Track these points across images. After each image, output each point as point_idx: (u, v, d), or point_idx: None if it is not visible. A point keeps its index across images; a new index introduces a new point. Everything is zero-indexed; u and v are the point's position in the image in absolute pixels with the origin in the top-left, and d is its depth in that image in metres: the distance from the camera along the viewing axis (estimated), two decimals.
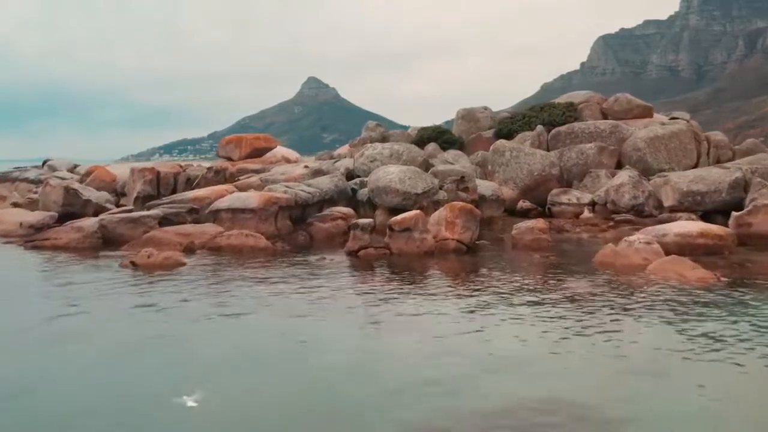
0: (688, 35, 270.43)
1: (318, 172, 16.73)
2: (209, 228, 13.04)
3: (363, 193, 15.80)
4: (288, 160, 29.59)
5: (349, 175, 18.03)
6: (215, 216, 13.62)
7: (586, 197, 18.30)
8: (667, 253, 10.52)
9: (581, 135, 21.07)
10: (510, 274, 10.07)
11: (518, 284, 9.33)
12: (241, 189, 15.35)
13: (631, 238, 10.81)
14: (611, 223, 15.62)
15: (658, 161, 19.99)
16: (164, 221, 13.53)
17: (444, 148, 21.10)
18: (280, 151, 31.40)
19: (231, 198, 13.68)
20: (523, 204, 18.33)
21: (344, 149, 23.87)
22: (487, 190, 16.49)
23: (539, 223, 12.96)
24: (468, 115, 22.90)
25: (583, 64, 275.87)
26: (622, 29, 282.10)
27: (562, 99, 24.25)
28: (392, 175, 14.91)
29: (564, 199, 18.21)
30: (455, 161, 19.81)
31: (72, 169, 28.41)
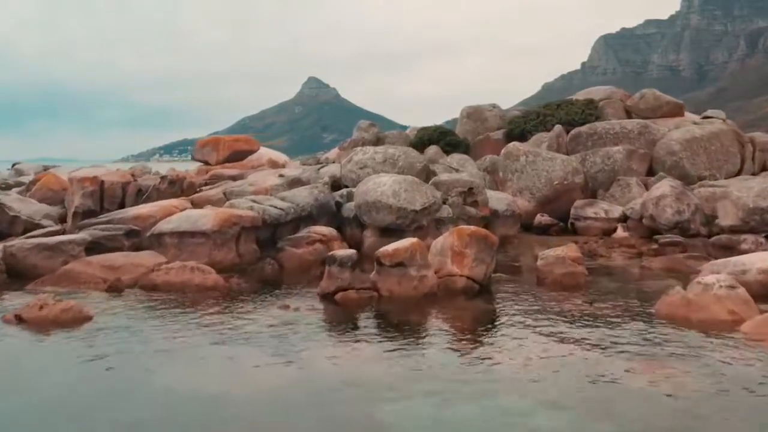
0: (689, 35, 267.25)
1: (295, 182, 13.69)
2: (147, 258, 10.02)
3: (349, 209, 12.79)
4: (275, 164, 26.62)
5: (336, 185, 15.03)
6: (158, 241, 10.61)
7: (616, 210, 15.28)
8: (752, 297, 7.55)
9: (605, 136, 18.07)
10: (543, 337, 7.04)
11: (559, 359, 6.30)
12: (197, 204, 12.32)
13: (708, 279, 7.77)
14: (654, 246, 12.58)
15: (696, 167, 16.97)
16: (94, 247, 10.51)
17: (447, 152, 18.09)
18: (267, 153, 28.43)
19: (179, 218, 10.64)
20: (542, 218, 15.31)
21: (334, 153, 20.83)
22: (501, 203, 13.47)
23: (571, 250, 9.93)
24: (474, 114, 19.88)
25: (583, 64, 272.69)
26: (623, 29, 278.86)
27: (581, 95, 21.21)
28: (384, 186, 11.89)
29: (590, 212, 15.19)
30: (460, 167, 16.79)
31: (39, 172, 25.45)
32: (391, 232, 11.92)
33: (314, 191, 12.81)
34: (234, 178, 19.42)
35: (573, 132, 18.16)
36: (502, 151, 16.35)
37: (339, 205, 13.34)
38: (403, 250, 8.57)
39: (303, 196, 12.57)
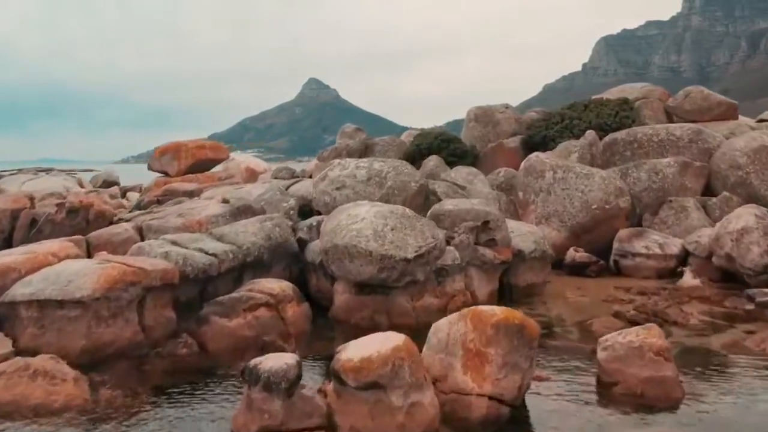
0: (690, 36, 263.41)
1: (244, 211, 9.86)
2: None
3: (316, 250, 8.99)
4: (254, 173, 22.79)
5: (308, 210, 11.26)
6: (13, 313, 6.82)
7: (674, 244, 11.49)
8: None
9: (647, 145, 14.29)
10: None
11: None
12: (96, 248, 8.49)
13: None
14: (748, 306, 8.77)
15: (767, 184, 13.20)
16: None
17: (451, 164, 14.31)
18: (245, 160, 24.58)
19: (43, 277, 6.85)
20: (576, 254, 11.50)
21: (313, 164, 17.02)
22: (527, 241, 9.65)
23: (652, 334, 6.12)
24: (483, 116, 16.06)
25: (584, 65, 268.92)
26: (624, 30, 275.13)
27: (612, 93, 17.38)
28: (362, 222, 8.09)
29: (640, 246, 11.41)
30: (468, 183, 13.00)
31: None
32: (371, 289, 8.14)
33: (267, 225, 9.01)
34: (191, 195, 15.67)
35: (607, 139, 14.37)
36: (523, 164, 12.52)
37: (304, 243, 9.55)
38: (379, 361, 4.76)
39: (250, 233, 8.77)
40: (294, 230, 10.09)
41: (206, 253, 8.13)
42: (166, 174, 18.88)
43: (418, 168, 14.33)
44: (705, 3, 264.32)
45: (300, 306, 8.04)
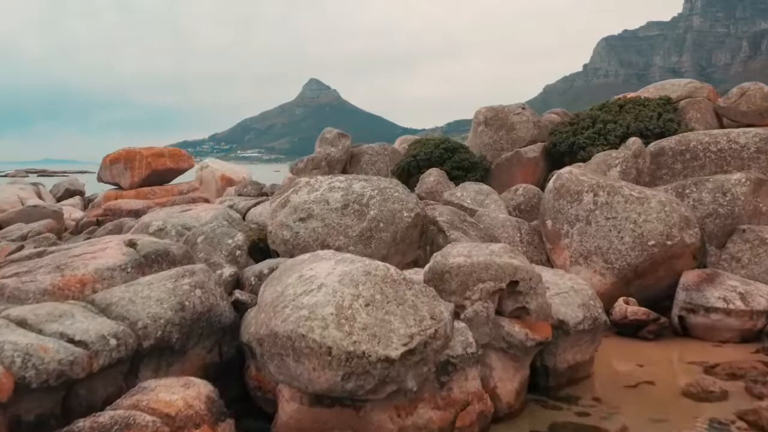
0: (691, 37, 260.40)
1: (153, 260, 6.70)
2: None
3: (253, 326, 5.84)
4: (230, 182, 19.72)
5: (262, 246, 8.15)
6: None
7: (761, 293, 8.39)
8: None
9: (703, 156, 11.24)
10: None
11: None
12: None
13: None
14: None
15: None
16: None
17: (455, 179, 11.21)
18: (220, 168, 21.48)
19: None
20: (628, 308, 8.39)
21: (287, 180, 13.78)
22: (571, 304, 6.51)
23: None
24: (495, 119, 12.90)
25: (585, 66, 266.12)
26: (625, 31, 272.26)
27: (649, 91, 14.21)
28: (319, 293, 4.99)
29: (715, 298, 8.29)
30: (479, 207, 9.90)
31: None
32: (333, 402, 5.02)
33: (182, 287, 5.89)
34: (137, 214, 12.64)
35: (653, 148, 11.23)
36: (552, 183, 9.35)
37: (242, 306, 6.44)
38: None
39: (153, 300, 5.66)
40: (239, 283, 7.02)
41: (70, 340, 5.02)
42: (119, 186, 15.80)
43: (414, 184, 11.23)
44: (706, 3, 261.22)
45: (217, 429, 4.91)
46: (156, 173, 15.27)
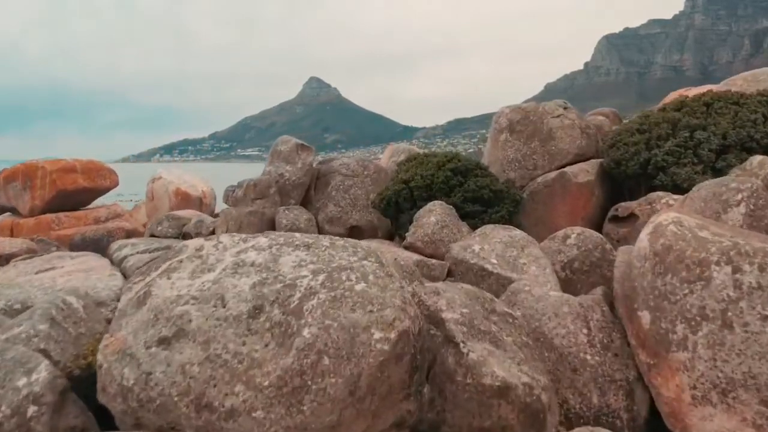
0: (693, 35, 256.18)
1: None
2: None
3: None
4: (187, 198, 15.60)
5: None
6: None
7: None
8: None
9: None
10: None
11: None
12: None
13: None
14: None
15: None
16: None
17: (469, 216, 7.13)
18: (175, 180, 17.17)
19: None
20: None
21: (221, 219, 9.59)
22: None
23: None
24: (526, 123, 8.70)
25: (586, 64, 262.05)
26: (627, 29, 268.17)
27: (735, 83, 10.08)
28: None
29: None
30: (510, 270, 5.82)
31: None
32: None
33: None
34: (8, 259, 8.52)
35: None
36: (648, 242, 5.23)
37: None
38: None
39: None
40: None
41: None
42: (16, 213, 11.76)
43: (405, 225, 7.17)
44: (708, 1, 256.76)
45: None
46: (64, 194, 11.23)
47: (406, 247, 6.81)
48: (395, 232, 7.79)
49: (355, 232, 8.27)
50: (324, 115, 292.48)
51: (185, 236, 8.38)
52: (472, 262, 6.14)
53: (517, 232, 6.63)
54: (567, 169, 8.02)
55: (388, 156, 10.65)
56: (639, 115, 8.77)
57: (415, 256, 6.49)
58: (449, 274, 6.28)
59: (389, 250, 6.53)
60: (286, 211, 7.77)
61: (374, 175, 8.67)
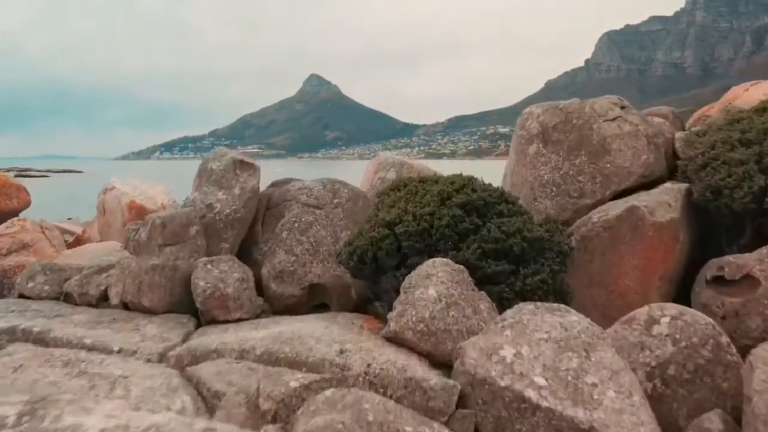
0: (694, 32, 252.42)
1: None
2: None
3: None
4: (141, 212, 12.58)
5: None
6: None
7: None
8: None
9: None
10: None
11: None
12: None
13: None
14: None
15: None
16: None
17: (491, 282, 4.40)
18: (129, 191, 14.12)
19: None
20: None
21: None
22: None
23: None
24: (568, 128, 5.92)
25: (587, 61, 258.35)
26: (628, 26, 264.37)
27: None
28: None
29: None
30: (560, 395, 3.02)
31: None
32: None
33: None
34: None
35: None
36: None
37: None
38: None
39: None
40: None
41: None
42: None
43: (389, 290, 4.44)
44: None
45: None
46: None
47: (389, 339, 4.08)
48: (374, 299, 5.04)
49: (315, 294, 5.52)
50: (324, 112, 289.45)
51: (67, 297, 5.63)
52: (502, 384, 3.41)
53: (575, 319, 3.89)
54: (637, 200, 5.24)
55: (373, 171, 7.88)
56: (725, 116, 5.99)
57: (401, 359, 3.75)
58: (461, 402, 3.55)
59: (356, 359, 3.77)
60: (209, 266, 5.02)
61: (348, 205, 5.90)
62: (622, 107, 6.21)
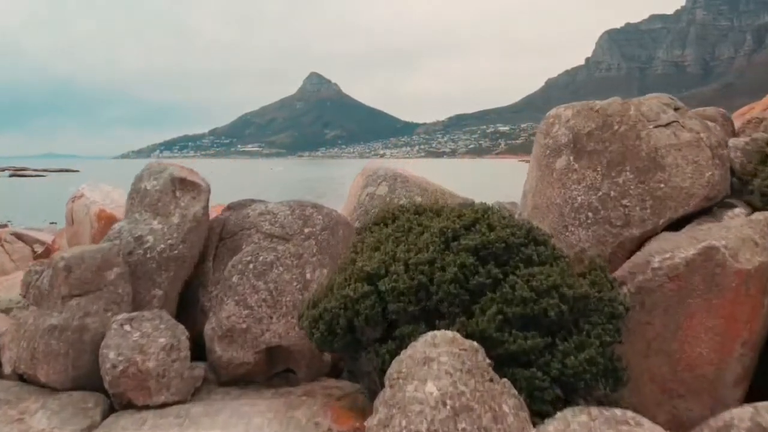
0: (694, 30, 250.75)
1: None
2: None
3: None
4: (111, 222, 10.92)
5: None
6: None
7: None
8: None
9: None
10: None
11: None
12: None
13: None
14: None
15: None
16: None
17: (515, 364, 3.04)
18: (99, 199, 12.60)
19: None
20: None
21: None
22: None
23: None
24: (606, 136, 4.60)
25: (587, 60, 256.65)
26: (628, 24, 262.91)
27: None
28: None
29: None
30: None
31: None
32: None
33: None
34: None
35: None
36: None
37: None
38: None
39: None
40: None
41: None
42: None
43: (369, 372, 3.00)
44: None
45: None
46: None
47: None
48: (350, 375, 3.66)
49: (276, 358, 4.14)
50: (324, 110, 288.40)
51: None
52: None
53: None
54: (711, 235, 3.84)
55: (360, 185, 6.47)
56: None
57: None
58: None
59: None
60: (126, 327, 3.64)
61: (323, 236, 4.52)
62: (676, 108, 4.82)
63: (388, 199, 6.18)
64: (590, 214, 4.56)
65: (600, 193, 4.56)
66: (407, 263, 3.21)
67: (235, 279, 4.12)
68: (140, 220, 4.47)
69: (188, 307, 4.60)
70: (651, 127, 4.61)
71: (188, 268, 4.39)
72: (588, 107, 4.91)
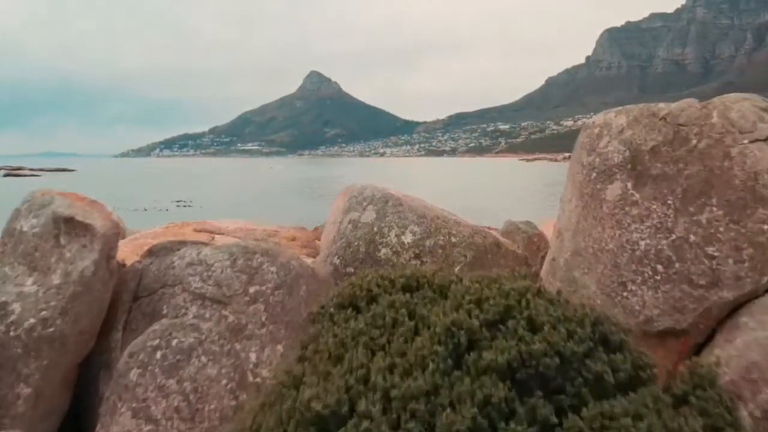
0: (695, 28, 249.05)
1: None
2: None
3: None
4: None
5: None
6: None
7: None
8: None
9: None
10: None
11: None
12: None
13: None
14: None
15: None
16: None
17: None
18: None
19: None
20: None
21: None
22: None
23: None
24: (678, 154, 3.29)
25: (588, 58, 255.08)
26: (628, 22, 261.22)
27: None
28: None
29: None
30: None
31: None
32: None
33: None
34: None
35: None
36: None
37: None
38: None
39: None
40: None
41: None
42: None
43: None
44: None
45: None
46: None
47: None
48: None
49: None
50: (324, 109, 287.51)
51: None
52: None
53: None
54: None
55: (342, 209, 5.07)
56: None
57: None
58: None
59: None
60: None
61: (277, 297, 3.13)
62: (765, 106, 3.42)
63: (375, 228, 4.79)
64: (660, 267, 3.16)
65: (673, 237, 3.16)
66: (386, 391, 1.80)
67: (132, 375, 2.72)
68: (10, 276, 3.06)
69: (86, 400, 3.21)
70: (745, 141, 3.21)
71: (74, 352, 2.99)
72: (650, 112, 3.50)
